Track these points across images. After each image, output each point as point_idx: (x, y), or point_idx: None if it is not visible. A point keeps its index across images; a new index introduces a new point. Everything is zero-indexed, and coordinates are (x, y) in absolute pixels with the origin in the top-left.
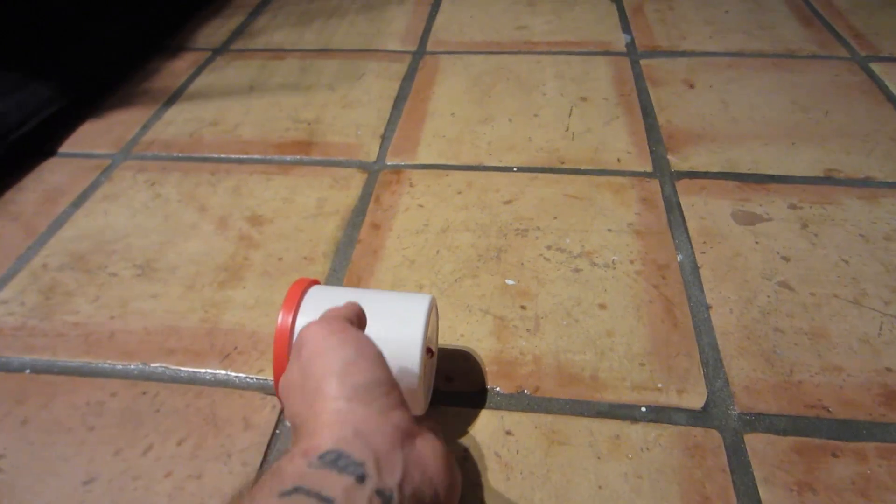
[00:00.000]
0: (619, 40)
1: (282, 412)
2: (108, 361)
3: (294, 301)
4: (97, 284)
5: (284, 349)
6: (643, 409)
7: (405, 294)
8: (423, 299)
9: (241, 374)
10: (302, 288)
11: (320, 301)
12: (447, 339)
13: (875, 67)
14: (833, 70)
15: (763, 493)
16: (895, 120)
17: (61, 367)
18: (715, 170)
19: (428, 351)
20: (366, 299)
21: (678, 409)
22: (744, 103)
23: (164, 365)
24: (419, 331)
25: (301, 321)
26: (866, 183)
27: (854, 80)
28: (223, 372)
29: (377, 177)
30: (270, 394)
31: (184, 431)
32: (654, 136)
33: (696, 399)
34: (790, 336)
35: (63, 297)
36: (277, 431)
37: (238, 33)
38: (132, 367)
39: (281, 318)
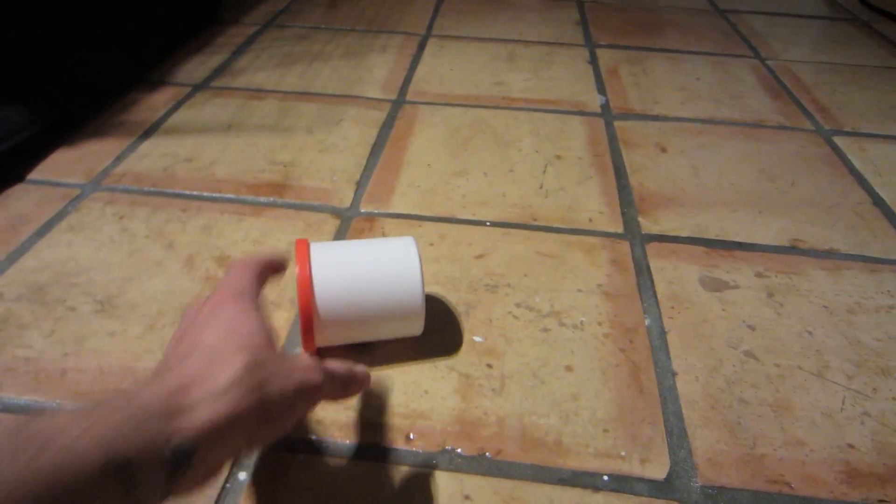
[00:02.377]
0: (595, 101)
1: (234, 464)
2: (58, 401)
3: (305, 257)
4: (54, 318)
5: (308, 302)
6: (605, 477)
7: (390, 239)
8: (409, 240)
9: None
10: (306, 246)
11: (324, 254)
12: (411, 395)
13: (838, 141)
14: (799, 141)
15: None
16: (857, 193)
17: (6, 405)
18: (684, 234)
19: None
20: (359, 249)
21: (640, 480)
22: (713, 170)
23: None
24: (416, 266)
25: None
26: (830, 255)
27: (819, 153)
28: None
29: (350, 223)
30: None
31: None
32: (625, 198)
33: (658, 469)
34: (754, 407)
35: (16, 329)
36: (228, 485)
37: (220, 71)
38: None
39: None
